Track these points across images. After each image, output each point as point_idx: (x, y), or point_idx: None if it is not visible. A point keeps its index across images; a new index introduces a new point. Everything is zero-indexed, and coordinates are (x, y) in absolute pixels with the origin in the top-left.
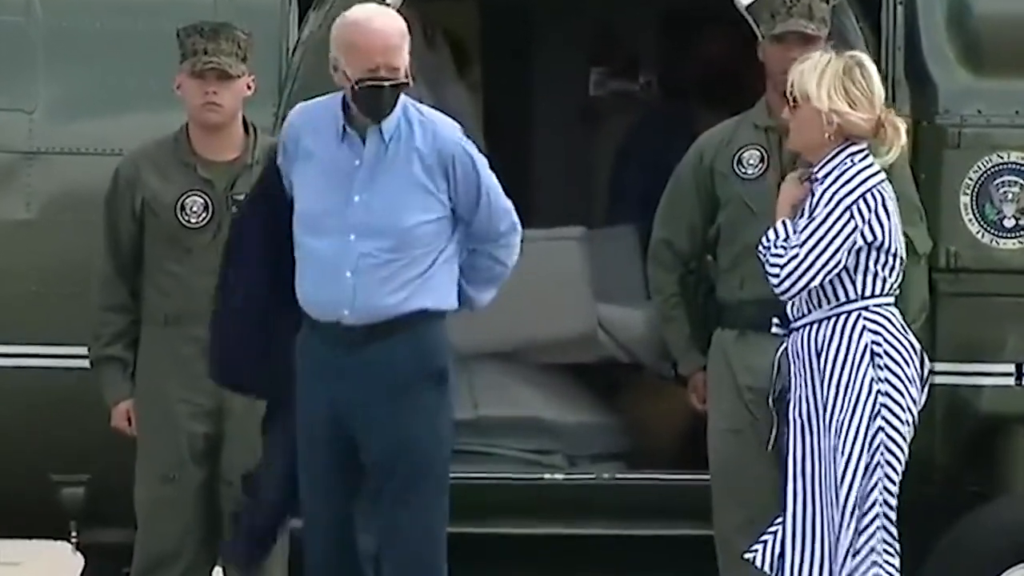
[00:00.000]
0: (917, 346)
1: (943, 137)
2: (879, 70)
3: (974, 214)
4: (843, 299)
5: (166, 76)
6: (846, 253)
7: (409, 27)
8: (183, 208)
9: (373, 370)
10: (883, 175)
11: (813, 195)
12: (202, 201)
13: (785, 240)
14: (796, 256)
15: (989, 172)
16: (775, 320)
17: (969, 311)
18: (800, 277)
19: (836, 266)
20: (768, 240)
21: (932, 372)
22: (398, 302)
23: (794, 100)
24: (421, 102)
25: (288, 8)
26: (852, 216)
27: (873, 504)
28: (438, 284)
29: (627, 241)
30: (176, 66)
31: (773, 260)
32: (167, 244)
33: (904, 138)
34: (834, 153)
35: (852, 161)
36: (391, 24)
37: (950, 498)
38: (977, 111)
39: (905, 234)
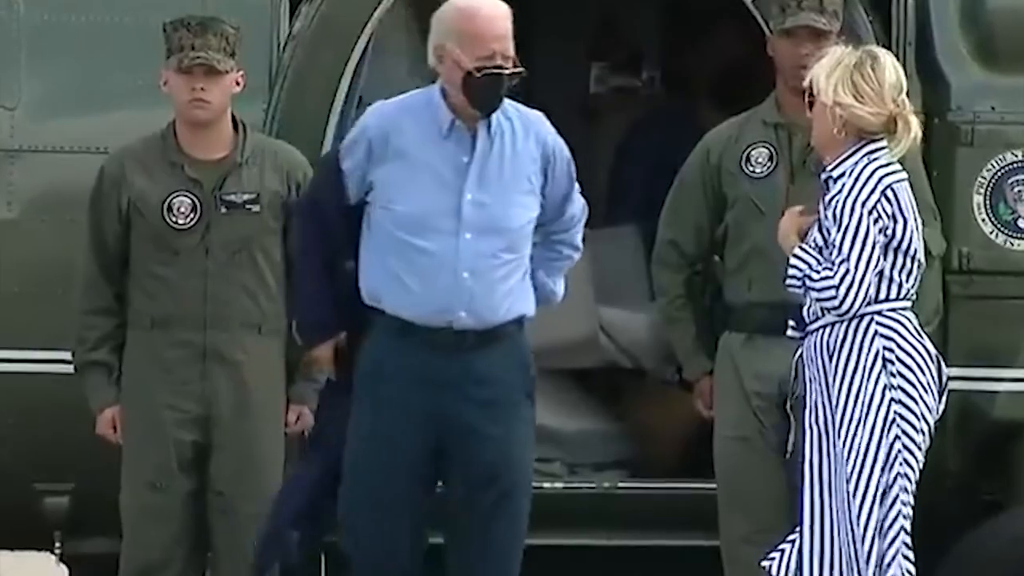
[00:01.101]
0: (934, 352)
1: (955, 134)
2: None
3: (987, 214)
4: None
5: (152, 72)
6: (881, 252)
7: (403, 21)
8: (170, 208)
9: (480, 381)
10: (902, 174)
11: (826, 195)
12: (190, 201)
13: (818, 264)
14: (848, 271)
15: (1003, 170)
16: (791, 323)
17: (982, 314)
18: (859, 288)
19: (879, 261)
20: (799, 271)
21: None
22: (509, 306)
23: (811, 95)
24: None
25: (278, 1)
26: (880, 215)
27: (895, 521)
28: (528, 288)
29: (630, 242)
30: (162, 62)
31: (823, 284)
32: (153, 245)
33: (915, 134)
34: (850, 152)
35: (868, 160)
36: (502, 10)
37: (963, 507)
38: (991, 108)
39: None
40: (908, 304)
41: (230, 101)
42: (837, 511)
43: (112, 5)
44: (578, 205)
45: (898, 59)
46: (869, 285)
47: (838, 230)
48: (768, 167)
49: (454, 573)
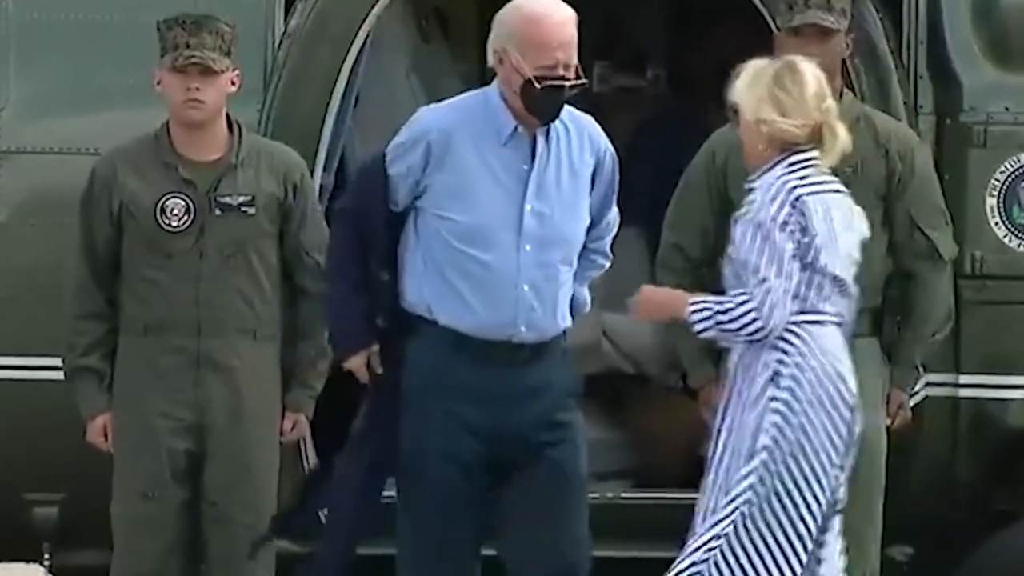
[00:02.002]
0: (847, 387)
1: (968, 136)
2: (900, 65)
3: (1001, 217)
4: (731, 340)
5: (145, 71)
6: (791, 258)
7: (402, 18)
8: (163, 211)
9: (534, 393)
10: (821, 186)
11: (748, 210)
12: (183, 203)
13: (720, 300)
14: (769, 289)
15: (1017, 173)
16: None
17: (995, 320)
18: (782, 305)
19: (791, 273)
20: (706, 315)
21: (957, 385)
22: (562, 317)
23: (733, 111)
24: (413, 96)
25: None
26: (793, 229)
27: (712, 541)
28: (570, 300)
29: (633, 245)
30: (156, 61)
31: (742, 310)
32: (146, 249)
33: (843, 141)
34: (772, 164)
35: (785, 171)
36: (567, 15)
37: (976, 518)
38: (1004, 108)
39: (929, 239)
40: (816, 319)
41: (225, 101)
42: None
43: (103, 3)
44: (614, 211)
45: (909, 58)
46: (787, 294)
47: (749, 248)
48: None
49: None
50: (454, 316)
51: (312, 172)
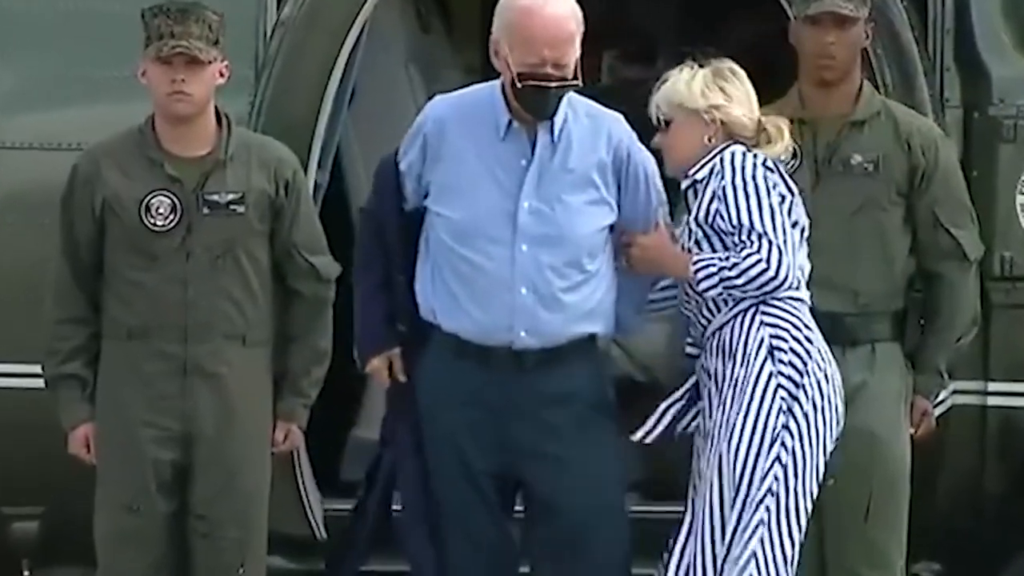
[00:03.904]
0: (826, 352)
1: (997, 130)
2: (925, 55)
3: None
4: (739, 296)
5: (130, 63)
6: (784, 215)
7: (400, 7)
8: (148, 209)
9: (546, 402)
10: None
11: (698, 199)
12: (169, 201)
13: (724, 253)
14: (770, 241)
15: None
16: (688, 341)
17: None
18: (787, 253)
19: (786, 226)
20: (710, 270)
21: (985, 393)
22: (575, 322)
23: (664, 120)
24: (412, 89)
25: None
26: (766, 179)
27: (756, 529)
28: (606, 304)
29: None
30: (141, 51)
31: (748, 263)
32: (130, 249)
33: (788, 139)
34: (712, 154)
35: (735, 148)
36: (566, 12)
37: (1006, 533)
38: None
39: (954, 238)
40: (801, 295)
41: (213, 93)
42: (704, 514)
43: None
44: (659, 212)
45: (935, 48)
46: (793, 247)
47: (736, 210)
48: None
49: None
50: (452, 321)
51: (305, 169)
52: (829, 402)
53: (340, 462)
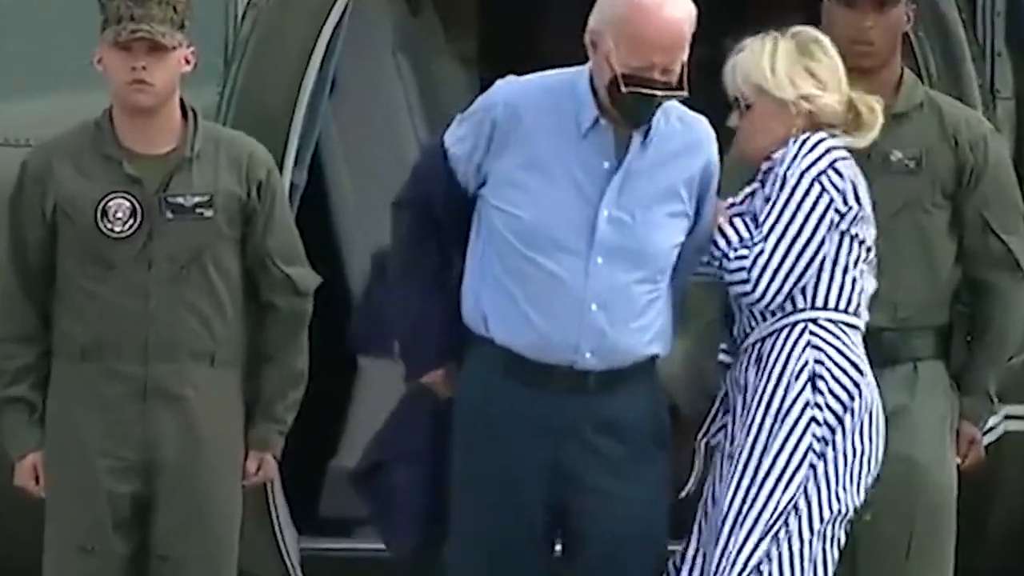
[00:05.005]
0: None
1: None
2: (974, 40)
3: None
4: (789, 309)
5: (86, 50)
6: (826, 233)
7: None
8: (105, 213)
9: (604, 429)
10: (851, 157)
11: (764, 185)
12: (128, 204)
13: (740, 242)
14: (765, 250)
15: None
16: (722, 347)
17: None
18: (777, 270)
19: (817, 252)
20: (718, 249)
21: None
22: (644, 344)
23: (742, 100)
24: (400, 78)
25: None
26: (823, 188)
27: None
28: (669, 322)
29: None
30: (97, 36)
31: (736, 264)
32: (85, 257)
33: (880, 118)
34: (801, 141)
35: (812, 136)
36: (683, 15)
37: None
38: None
39: (1006, 245)
40: (855, 320)
41: (178, 83)
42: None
43: None
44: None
45: (984, 32)
46: (793, 271)
47: (770, 204)
48: None
49: None
50: (509, 332)
51: (280, 167)
52: (871, 441)
53: (319, 496)
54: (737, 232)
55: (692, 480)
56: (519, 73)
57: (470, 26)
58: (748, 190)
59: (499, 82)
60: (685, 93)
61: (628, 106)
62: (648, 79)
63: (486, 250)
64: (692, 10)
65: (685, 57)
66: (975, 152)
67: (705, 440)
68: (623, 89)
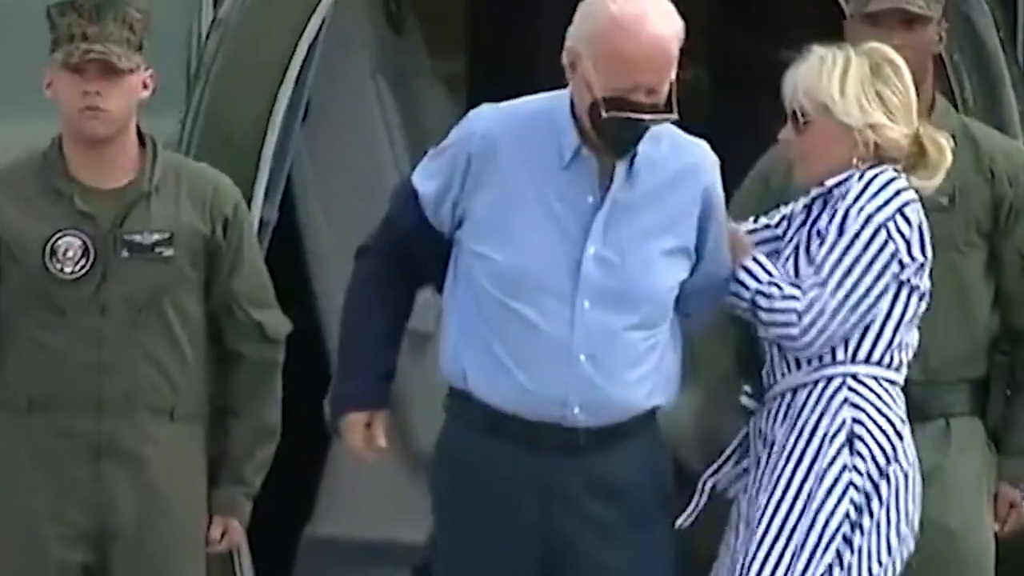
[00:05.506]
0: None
1: None
2: (1014, 62)
3: None
4: (828, 360)
5: (34, 71)
6: (886, 285)
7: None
8: (54, 252)
9: (598, 491)
10: (917, 199)
11: (811, 211)
12: (80, 243)
13: (781, 278)
14: (819, 296)
15: None
16: (746, 389)
17: None
18: (831, 320)
19: (874, 304)
20: (750, 285)
21: None
22: (643, 396)
23: (800, 115)
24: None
25: None
26: (889, 236)
27: None
28: (667, 371)
29: None
30: (47, 57)
31: (783, 304)
32: (32, 301)
33: (948, 159)
34: (851, 173)
35: (877, 173)
36: (670, 33)
37: None
38: None
39: None
40: (898, 377)
41: (135, 110)
42: None
43: None
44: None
45: None
46: (847, 323)
47: (828, 245)
48: None
49: None
50: (490, 389)
51: (249, 202)
52: (907, 508)
53: (290, 566)
54: (764, 268)
55: (685, 516)
56: (510, 96)
57: (457, 45)
58: (783, 212)
59: (474, 111)
60: (675, 116)
61: (611, 132)
62: (632, 102)
63: (464, 297)
64: (678, 23)
65: (673, 76)
66: (1014, 186)
67: (713, 481)
68: (604, 114)
